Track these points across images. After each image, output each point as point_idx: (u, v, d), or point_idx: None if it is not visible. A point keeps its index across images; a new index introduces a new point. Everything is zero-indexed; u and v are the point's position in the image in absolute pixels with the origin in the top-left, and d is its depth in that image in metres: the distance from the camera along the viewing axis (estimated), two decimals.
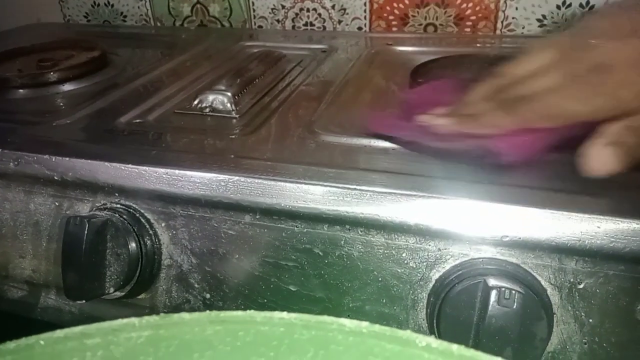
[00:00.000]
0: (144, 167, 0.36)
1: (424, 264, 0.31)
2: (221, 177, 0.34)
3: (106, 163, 0.37)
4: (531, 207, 0.29)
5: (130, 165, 0.36)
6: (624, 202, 0.29)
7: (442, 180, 0.32)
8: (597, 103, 0.28)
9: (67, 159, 0.38)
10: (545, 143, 0.31)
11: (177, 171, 0.35)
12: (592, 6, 0.65)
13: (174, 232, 0.36)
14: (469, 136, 0.32)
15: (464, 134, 0.32)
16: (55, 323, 0.41)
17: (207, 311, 0.16)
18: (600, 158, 0.29)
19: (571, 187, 0.31)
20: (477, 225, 0.30)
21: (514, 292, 0.27)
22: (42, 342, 0.15)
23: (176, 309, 0.37)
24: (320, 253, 0.33)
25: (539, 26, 0.68)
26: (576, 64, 0.29)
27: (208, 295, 0.36)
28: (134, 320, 0.16)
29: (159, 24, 0.85)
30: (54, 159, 0.38)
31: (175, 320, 0.16)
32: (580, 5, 0.65)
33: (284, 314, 0.16)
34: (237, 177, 0.34)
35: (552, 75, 0.30)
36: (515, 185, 0.31)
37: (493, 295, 0.27)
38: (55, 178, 0.38)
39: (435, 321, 0.30)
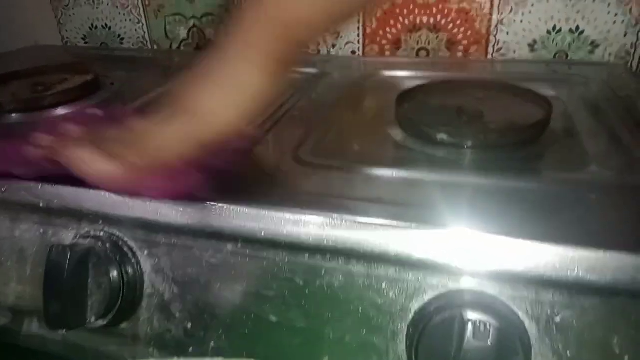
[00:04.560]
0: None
1: (404, 294, 0.31)
2: (203, 205, 0.34)
3: (91, 191, 0.37)
4: (508, 237, 0.29)
5: (114, 194, 0.36)
6: (600, 234, 0.29)
7: (421, 209, 0.32)
8: None
9: (53, 186, 0.38)
10: None
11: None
12: (582, 31, 0.65)
13: (157, 260, 0.36)
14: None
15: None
16: (39, 350, 0.41)
17: None
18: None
19: (548, 218, 0.31)
20: (455, 256, 0.30)
21: (489, 325, 0.27)
22: None
23: (158, 338, 0.37)
24: (301, 283, 0.33)
25: (530, 51, 0.68)
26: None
27: (189, 325, 0.36)
28: None
29: (155, 47, 0.86)
30: (39, 187, 0.38)
31: None
32: (571, 30, 0.66)
33: None
34: (218, 205, 0.34)
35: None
36: (493, 215, 0.31)
37: (469, 329, 0.27)
38: (41, 205, 0.38)
39: (414, 353, 0.29)
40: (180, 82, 0.37)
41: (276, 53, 0.35)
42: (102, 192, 0.36)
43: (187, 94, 0.37)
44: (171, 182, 0.34)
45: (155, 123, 0.37)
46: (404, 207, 0.33)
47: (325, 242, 0.32)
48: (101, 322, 0.35)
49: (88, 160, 0.35)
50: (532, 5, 0.66)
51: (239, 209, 0.34)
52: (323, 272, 0.33)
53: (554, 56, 0.68)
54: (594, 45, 0.66)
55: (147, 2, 0.82)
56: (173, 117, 0.37)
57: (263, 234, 0.33)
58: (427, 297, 0.31)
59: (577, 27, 0.65)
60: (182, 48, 0.84)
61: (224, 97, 0.36)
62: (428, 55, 0.72)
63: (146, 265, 0.36)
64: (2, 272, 0.41)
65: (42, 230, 0.39)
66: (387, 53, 0.74)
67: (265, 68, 0.35)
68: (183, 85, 0.37)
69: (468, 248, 0.29)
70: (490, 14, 0.68)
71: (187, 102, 0.36)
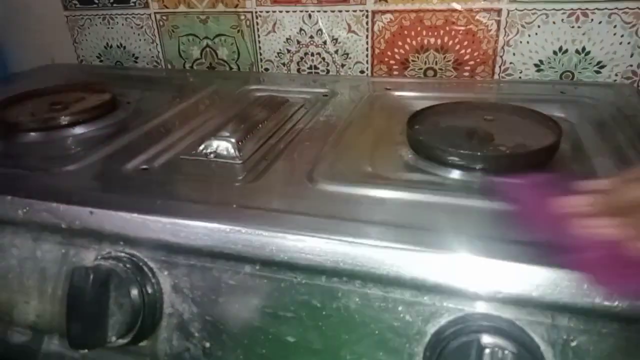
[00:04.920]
0: (149, 217, 0.37)
1: (420, 318, 0.32)
2: (223, 227, 0.35)
3: (112, 212, 0.38)
4: (524, 263, 0.30)
5: (135, 215, 0.37)
6: None
7: (438, 234, 0.33)
8: None
9: (75, 207, 0.39)
10: None
11: (180, 221, 0.36)
12: (588, 52, 0.66)
13: (176, 280, 0.37)
14: None
15: None
16: None
17: None
18: None
19: (564, 246, 0.31)
20: (471, 280, 0.30)
21: (507, 351, 0.27)
22: None
23: (176, 357, 0.37)
24: (318, 305, 0.34)
25: (536, 71, 0.69)
26: None
27: (208, 344, 0.37)
28: None
29: (169, 66, 0.87)
30: (61, 208, 0.39)
31: None
32: (577, 51, 0.67)
33: None
34: (238, 228, 0.35)
35: None
36: (510, 241, 0.32)
37: (486, 354, 0.27)
38: (63, 226, 0.39)
39: None
40: None
41: None
42: (123, 213, 0.37)
43: None
44: None
45: None
46: (419, 231, 0.33)
47: (341, 265, 0.33)
48: (121, 342, 0.36)
49: None
50: (539, 26, 0.67)
51: (257, 232, 0.35)
52: (340, 294, 0.33)
53: (560, 76, 0.69)
54: (600, 65, 0.67)
55: (161, 23, 0.84)
56: None
57: (281, 257, 0.34)
58: (444, 320, 0.31)
59: (584, 48, 0.66)
60: (194, 67, 0.86)
61: None
62: (435, 75, 0.74)
63: (166, 285, 0.37)
64: (24, 290, 0.41)
65: (63, 251, 0.40)
66: (395, 73, 0.75)
67: None
68: None
69: (484, 273, 0.30)
70: (497, 35, 0.69)
71: None
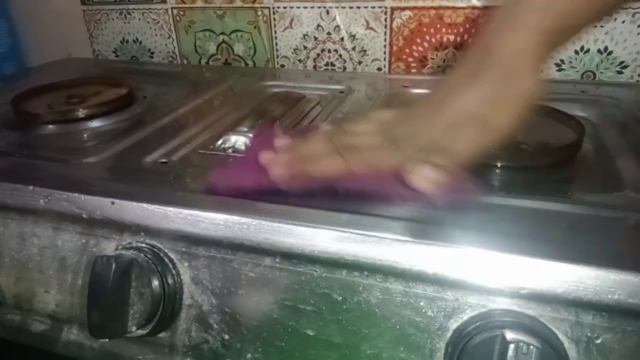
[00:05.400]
0: (169, 208, 0.37)
1: (442, 313, 0.31)
2: (243, 219, 0.35)
3: (133, 203, 0.38)
4: (548, 259, 0.29)
5: (156, 206, 0.37)
6: None
7: (459, 229, 0.33)
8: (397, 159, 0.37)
9: (96, 197, 0.39)
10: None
11: (200, 213, 0.36)
12: (610, 52, 0.66)
13: (196, 272, 0.37)
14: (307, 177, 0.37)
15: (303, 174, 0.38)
16: (76, 358, 0.42)
17: None
18: (426, 175, 0.35)
19: (587, 240, 0.31)
20: (494, 276, 0.30)
21: (531, 347, 0.27)
22: None
23: (195, 348, 0.37)
24: (338, 298, 0.34)
25: (557, 70, 0.69)
26: (387, 134, 0.38)
27: (227, 337, 0.37)
28: None
29: (185, 62, 0.88)
30: (82, 198, 0.39)
31: None
32: (599, 51, 0.66)
33: None
34: (258, 220, 0.35)
35: (374, 138, 0.39)
36: (533, 237, 0.31)
37: (511, 349, 0.27)
38: (84, 216, 0.39)
39: None
40: (440, 81, 0.38)
41: (541, 58, 0.35)
42: (144, 204, 0.38)
43: (451, 90, 0.36)
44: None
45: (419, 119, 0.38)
46: (441, 226, 0.33)
47: (363, 259, 0.33)
48: (141, 332, 0.36)
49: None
50: None
51: (277, 225, 0.34)
52: (360, 288, 0.33)
53: (582, 76, 0.68)
54: (623, 65, 0.66)
55: (177, 18, 0.84)
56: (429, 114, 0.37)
57: (301, 250, 0.34)
58: (466, 316, 0.31)
59: (606, 48, 0.66)
60: (210, 63, 0.86)
61: (502, 99, 0.35)
62: None
63: (186, 276, 0.37)
64: (43, 280, 0.42)
65: (83, 240, 0.40)
66: (413, 71, 0.75)
67: (532, 71, 0.34)
68: (444, 82, 0.38)
69: (507, 269, 0.30)
70: None
71: (454, 99, 0.36)
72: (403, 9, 0.71)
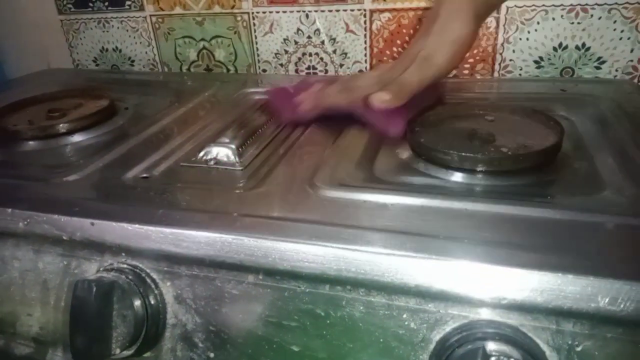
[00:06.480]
0: (150, 227, 0.37)
1: (425, 325, 0.32)
2: (224, 237, 0.35)
3: (113, 223, 0.38)
4: (527, 269, 0.29)
5: (136, 226, 0.37)
6: (620, 264, 0.29)
7: (441, 240, 0.33)
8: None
9: (76, 219, 0.39)
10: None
11: (181, 231, 0.36)
12: (588, 48, 0.66)
13: (179, 291, 0.37)
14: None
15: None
16: None
17: None
18: (378, 97, 0.49)
19: (567, 249, 0.31)
20: (475, 287, 0.30)
21: (512, 359, 0.27)
22: None
23: None
24: (322, 313, 0.34)
25: (536, 68, 0.69)
26: (378, 78, 0.53)
27: (212, 355, 0.36)
28: None
29: (165, 69, 0.87)
30: (62, 219, 0.39)
31: None
32: (577, 47, 0.66)
33: None
34: (240, 237, 0.35)
35: (367, 82, 0.54)
36: (513, 245, 0.32)
37: None
38: (64, 238, 0.39)
39: None
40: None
41: (479, 8, 0.50)
42: (124, 224, 0.37)
43: (414, 41, 0.53)
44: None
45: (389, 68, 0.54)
46: (422, 238, 0.33)
47: (345, 273, 0.33)
48: (126, 354, 0.36)
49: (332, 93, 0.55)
50: (538, 23, 0.67)
51: (258, 241, 0.34)
52: (344, 302, 0.33)
53: (561, 73, 0.68)
54: (601, 61, 0.66)
55: (156, 26, 0.84)
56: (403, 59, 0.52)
57: (283, 266, 0.34)
58: (449, 327, 0.31)
59: (584, 44, 0.66)
60: (191, 69, 0.85)
61: (440, 43, 0.49)
62: None
63: (169, 296, 0.37)
64: (26, 302, 0.41)
65: (65, 262, 0.40)
66: None
67: (472, 19, 0.49)
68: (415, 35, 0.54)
69: (488, 279, 0.30)
70: (496, 32, 0.69)
71: (412, 46, 0.52)
72: (382, 11, 0.71)
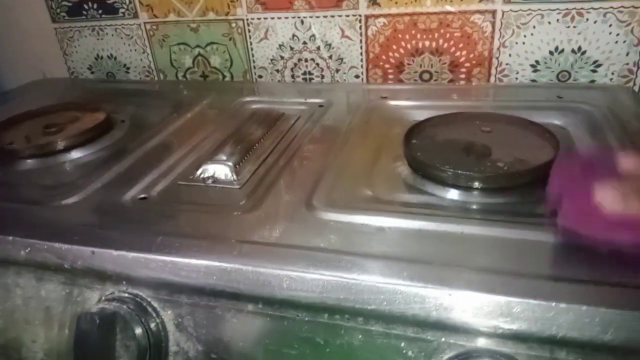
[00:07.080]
0: (149, 256, 0.37)
1: (422, 353, 0.32)
2: (223, 266, 0.36)
3: (113, 252, 0.38)
4: (522, 298, 0.30)
5: (136, 254, 0.38)
6: (613, 293, 0.30)
7: (437, 268, 0.33)
8: None
9: (76, 247, 0.39)
10: None
11: (181, 260, 0.37)
12: (584, 52, 0.66)
13: (180, 319, 0.37)
14: None
15: None
16: None
17: None
18: None
19: (561, 276, 0.32)
20: (472, 317, 0.31)
21: None
22: None
23: None
24: (321, 342, 0.34)
25: (533, 72, 0.69)
26: None
27: None
28: None
29: (161, 76, 0.87)
30: (63, 248, 0.39)
31: None
32: (573, 51, 0.66)
33: None
34: (239, 267, 0.35)
35: None
36: (508, 273, 0.32)
37: None
38: (66, 266, 0.39)
39: None
40: None
41: None
42: (124, 252, 0.38)
43: None
44: None
45: None
46: (420, 266, 0.33)
47: (343, 302, 0.33)
48: None
49: None
50: (534, 27, 0.66)
51: (257, 270, 0.35)
52: (342, 331, 0.34)
53: (557, 76, 0.68)
54: (597, 64, 0.66)
55: (151, 33, 0.83)
56: None
57: (282, 295, 0.34)
58: (446, 356, 0.32)
59: (579, 48, 0.66)
60: (187, 76, 0.85)
61: None
62: (431, 77, 0.73)
63: (170, 324, 0.38)
64: (30, 330, 0.42)
65: (67, 290, 0.40)
66: (391, 77, 0.75)
67: None
68: None
69: (484, 309, 0.30)
70: (492, 37, 0.68)
71: None
72: (377, 16, 0.71)
